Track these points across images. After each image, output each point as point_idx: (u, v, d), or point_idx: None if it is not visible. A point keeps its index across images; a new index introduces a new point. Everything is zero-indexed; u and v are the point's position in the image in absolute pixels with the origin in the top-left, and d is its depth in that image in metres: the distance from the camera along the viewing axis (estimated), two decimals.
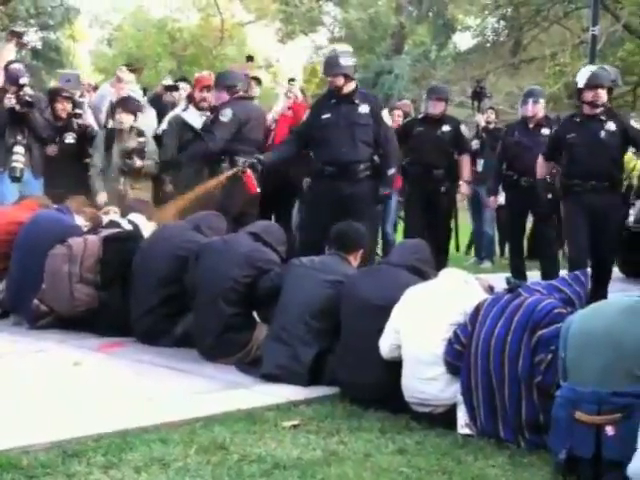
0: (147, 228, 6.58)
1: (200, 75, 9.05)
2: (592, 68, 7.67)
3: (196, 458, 3.82)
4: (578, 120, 7.49)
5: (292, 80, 9.62)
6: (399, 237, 10.25)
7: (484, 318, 4.30)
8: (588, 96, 7.28)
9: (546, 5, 22.29)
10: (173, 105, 9.13)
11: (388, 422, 4.45)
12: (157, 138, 8.54)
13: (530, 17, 22.86)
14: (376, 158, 7.27)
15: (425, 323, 4.51)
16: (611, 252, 7.76)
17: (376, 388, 4.66)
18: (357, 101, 7.29)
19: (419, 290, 4.73)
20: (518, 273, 8.23)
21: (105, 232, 6.45)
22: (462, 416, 4.34)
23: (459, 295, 4.58)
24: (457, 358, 4.36)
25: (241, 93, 8.09)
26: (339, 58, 7.24)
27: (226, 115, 7.76)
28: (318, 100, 7.97)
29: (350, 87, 7.32)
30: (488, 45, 26.43)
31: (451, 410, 4.40)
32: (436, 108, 8.77)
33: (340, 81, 7.23)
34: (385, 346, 4.69)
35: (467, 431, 4.31)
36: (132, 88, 9.03)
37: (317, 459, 3.87)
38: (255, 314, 5.73)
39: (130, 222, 6.60)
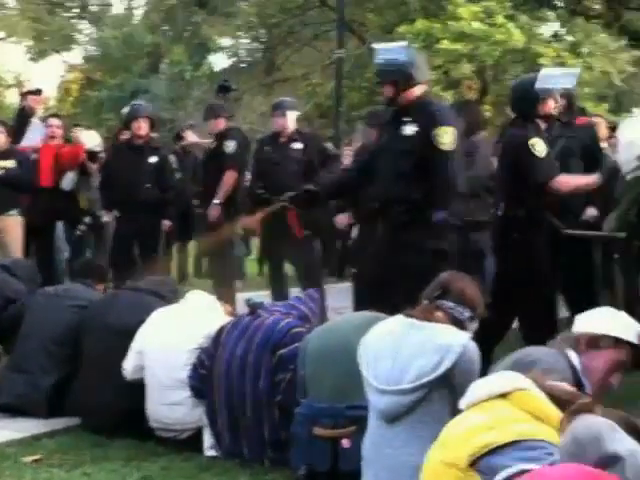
0: None
1: None
2: None
3: None
4: None
5: (39, 92, 9.43)
6: None
7: (226, 340, 4.37)
8: None
9: (297, 27, 22.88)
10: None
11: (134, 449, 4.42)
12: None
13: (282, 38, 23.39)
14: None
15: (169, 347, 4.52)
16: None
17: (119, 414, 4.61)
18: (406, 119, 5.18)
19: (164, 312, 4.74)
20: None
21: None
22: (208, 438, 4.39)
23: (203, 318, 4.63)
24: (202, 381, 4.39)
25: None
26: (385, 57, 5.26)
27: None
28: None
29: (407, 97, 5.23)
30: (243, 65, 26.78)
31: (197, 433, 4.43)
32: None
33: (390, 90, 5.24)
34: (129, 367, 4.65)
35: (213, 453, 4.36)
36: None
37: None
38: None
39: None
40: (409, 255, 4.93)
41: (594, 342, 3.41)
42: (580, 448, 2.21)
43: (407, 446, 3.28)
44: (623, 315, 3.56)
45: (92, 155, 8.66)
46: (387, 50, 5.25)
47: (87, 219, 8.71)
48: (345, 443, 3.76)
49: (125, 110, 8.72)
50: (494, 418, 2.62)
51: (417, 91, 5.14)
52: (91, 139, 8.81)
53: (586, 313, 3.58)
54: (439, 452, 2.67)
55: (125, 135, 8.86)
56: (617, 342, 3.42)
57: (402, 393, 3.31)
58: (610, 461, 2.16)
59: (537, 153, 5.25)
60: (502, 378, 2.80)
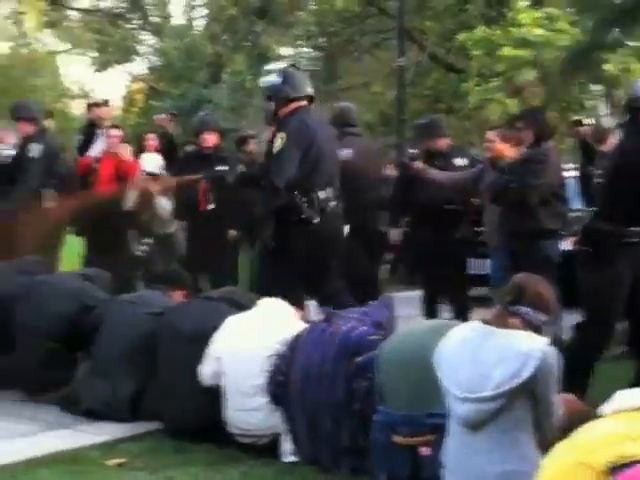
0: None
1: None
2: None
3: None
4: None
5: (106, 103, 9.64)
6: None
7: (302, 347, 4.44)
8: None
9: (356, 36, 22.94)
10: None
11: (214, 454, 4.51)
12: None
13: (342, 47, 23.46)
14: None
15: (245, 353, 4.59)
16: None
17: (198, 420, 4.71)
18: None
19: (239, 319, 4.82)
20: None
21: None
22: (286, 444, 4.46)
23: (278, 325, 4.70)
24: (279, 388, 4.46)
25: (42, 125, 8.05)
26: None
27: (35, 150, 7.68)
28: None
29: None
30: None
31: (275, 439, 4.50)
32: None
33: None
34: (206, 373, 4.73)
35: (291, 459, 4.42)
36: None
37: None
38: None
39: None
40: None
41: None
42: None
43: (489, 454, 3.31)
44: None
45: (153, 178, 8.76)
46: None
47: (148, 239, 8.80)
48: (424, 451, 3.80)
49: (194, 120, 8.87)
50: (636, 431, 2.66)
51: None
52: (152, 162, 8.93)
53: None
54: (573, 453, 2.69)
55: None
56: None
57: (483, 401, 3.34)
58: None
59: None
60: None
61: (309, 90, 6.22)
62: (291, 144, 5.91)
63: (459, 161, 7.60)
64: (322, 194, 6.01)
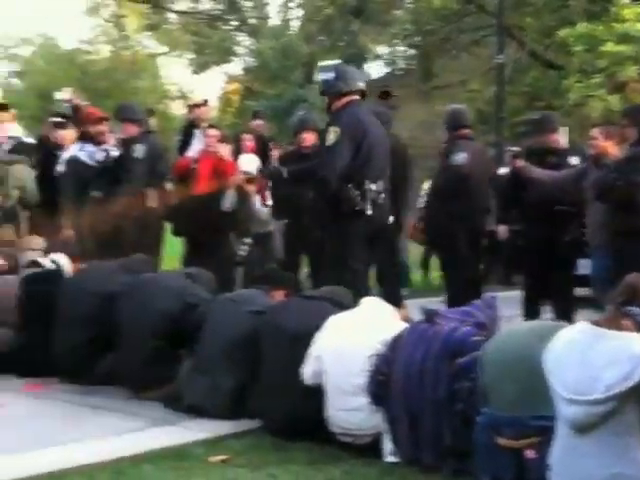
0: (70, 267, 6.53)
1: (91, 110, 9.04)
2: None
3: None
4: None
5: (206, 103, 9.80)
6: None
7: (404, 347, 4.40)
8: None
9: (453, 33, 22.78)
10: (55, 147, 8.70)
11: (316, 453, 4.51)
12: (54, 179, 8.40)
13: (438, 45, 23.32)
14: None
15: (346, 353, 4.58)
16: None
17: (299, 419, 4.72)
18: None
19: (341, 318, 4.82)
20: None
21: (25, 272, 6.40)
22: (387, 444, 4.43)
23: (379, 325, 4.68)
24: (380, 388, 4.44)
25: (147, 127, 8.18)
26: None
27: (139, 151, 7.81)
28: None
29: None
30: (400, 73, 26.86)
31: (377, 439, 4.48)
32: None
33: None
34: (307, 372, 4.74)
35: (393, 459, 4.39)
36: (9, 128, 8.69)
37: None
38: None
39: (53, 261, 6.55)
40: None
41: None
42: None
43: (599, 457, 3.25)
44: None
45: (250, 178, 8.83)
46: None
47: (248, 239, 8.87)
48: (530, 454, 3.74)
49: (294, 120, 8.92)
50: None
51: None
52: (249, 163, 9.00)
53: None
54: None
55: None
56: None
57: (593, 403, 3.27)
58: None
59: None
60: None
61: (361, 85, 6.39)
62: (344, 138, 6.09)
63: (574, 160, 7.39)
64: (374, 187, 6.18)
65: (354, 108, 6.27)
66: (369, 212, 6.13)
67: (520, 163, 7.29)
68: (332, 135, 6.11)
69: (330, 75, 6.31)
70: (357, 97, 6.33)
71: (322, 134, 6.44)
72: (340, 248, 6.21)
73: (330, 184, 6.11)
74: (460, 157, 7.25)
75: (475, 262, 7.63)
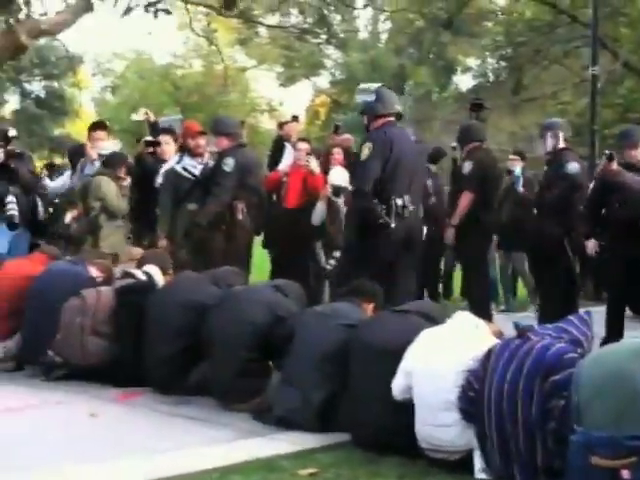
0: (162, 279, 6.63)
1: (189, 123, 9.18)
2: None
3: None
4: None
5: (296, 119, 9.88)
6: None
7: (495, 364, 4.34)
8: None
9: (545, 45, 22.50)
10: (155, 162, 8.83)
11: (406, 468, 4.48)
12: (155, 191, 8.53)
13: (530, 57, 23.07)
14: None
15: (437, 368, 4.55)
16: None
17: (389, 433, 4.70)
18: None
19: (432, 333, 4.79)
20: None
21: (119, 283, 6.52)
22: (478, 461, 4.38)
23: (470, 340, 4.63)
24: (471, 404, 4.40)
25: (240, 140, 8.27)
26: None
27: (229, 165, 7.90)
28: None
29: None
30: (489, 85, 26.66)
31: (467, 455, 4.43)
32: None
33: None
34: (397, 387, 4.72)
35: (484, 476, 4.34)
36: (104, 145, 8.86)
37: None
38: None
39: (145, 273, 6.66)
40: None
41: None
42: None
43: None
44: None
45: (337, 191, 8.84)
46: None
47: (336, 253, 8.85)
48: (625, 474, 3.64)
49: None
50: None
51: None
52: (339, 176, 9.01)
53: None
54: None
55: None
56: None
57: None
58: None
59: None
60: None
61: (397, 107, 6.94)
62: (376, 154, 6.61)
63: None
64: (399, 201, 6.61)
65: (388, 128, 6.74)
66: (392, 225, 6.52)
67: (614, 165, 7.24)
68: (366, 150, 6.63)
69: (370, 97, 6.82)
70: (392, 119, 6.84)
71: (358, 151, 6.94)
72: (363, 258, 6.70)
73: (365, 194, 6.62)
74: (571, 166, 7.48)
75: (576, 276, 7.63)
